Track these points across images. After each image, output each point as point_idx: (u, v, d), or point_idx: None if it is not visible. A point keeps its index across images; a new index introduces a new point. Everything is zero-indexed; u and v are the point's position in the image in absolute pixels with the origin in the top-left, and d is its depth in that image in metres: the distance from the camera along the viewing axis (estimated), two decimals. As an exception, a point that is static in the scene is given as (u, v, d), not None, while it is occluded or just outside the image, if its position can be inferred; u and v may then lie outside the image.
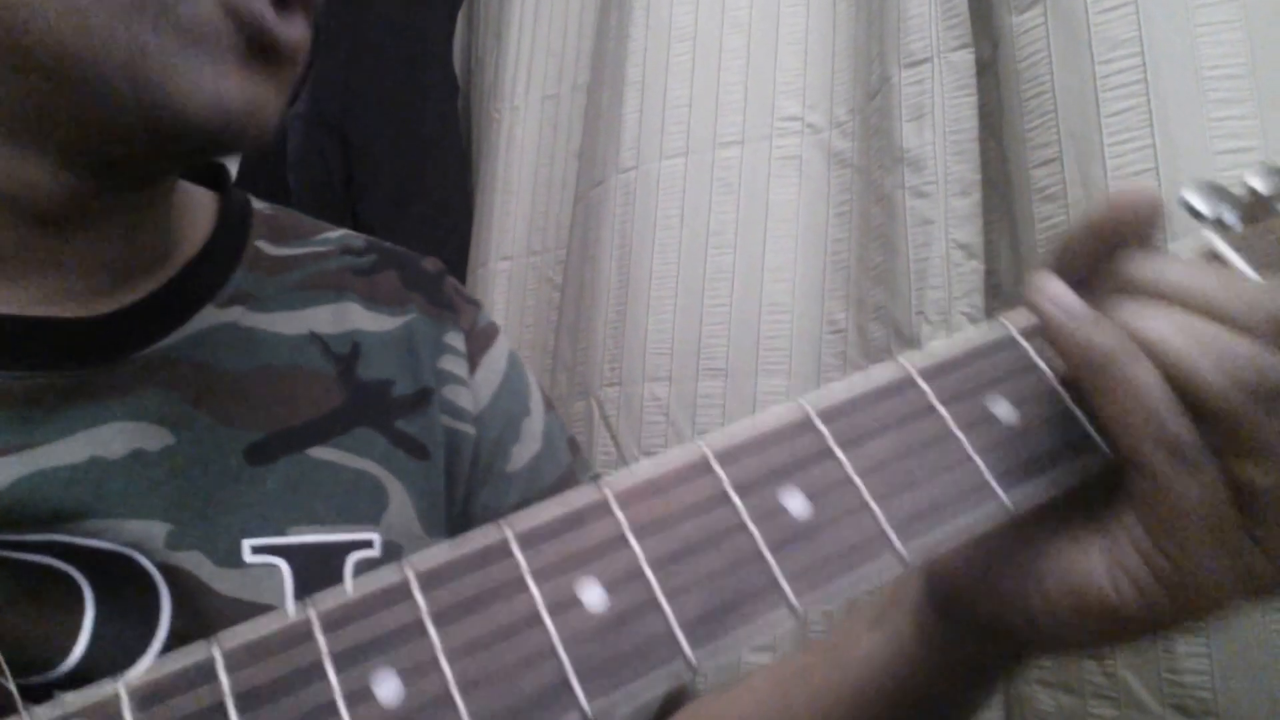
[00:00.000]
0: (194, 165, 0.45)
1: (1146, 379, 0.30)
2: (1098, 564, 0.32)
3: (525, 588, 0.28)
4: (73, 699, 0.25)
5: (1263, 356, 0.30)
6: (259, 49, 0.39)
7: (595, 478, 0.58)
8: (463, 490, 0.51)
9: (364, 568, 0.44)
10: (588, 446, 1.00)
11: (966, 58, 0.80)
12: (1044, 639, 0.35)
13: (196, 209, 0.50)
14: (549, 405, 0.58)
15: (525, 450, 0.54)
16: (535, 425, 0.55)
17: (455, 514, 0.51)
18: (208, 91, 0.37)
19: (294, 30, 0.40)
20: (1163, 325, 0.31)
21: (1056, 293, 0.32)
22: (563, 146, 1.23)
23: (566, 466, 0.56)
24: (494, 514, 0.51)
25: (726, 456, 0.31)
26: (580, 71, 1.23)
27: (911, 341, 0.78)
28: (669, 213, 0.98)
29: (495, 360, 0.55)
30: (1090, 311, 0.32)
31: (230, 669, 0.25)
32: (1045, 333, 0.33)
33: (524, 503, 0.52)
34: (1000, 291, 0.78)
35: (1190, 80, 0.64)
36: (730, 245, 0.94)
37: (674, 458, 0.31)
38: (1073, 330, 0.32)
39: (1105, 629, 0.33)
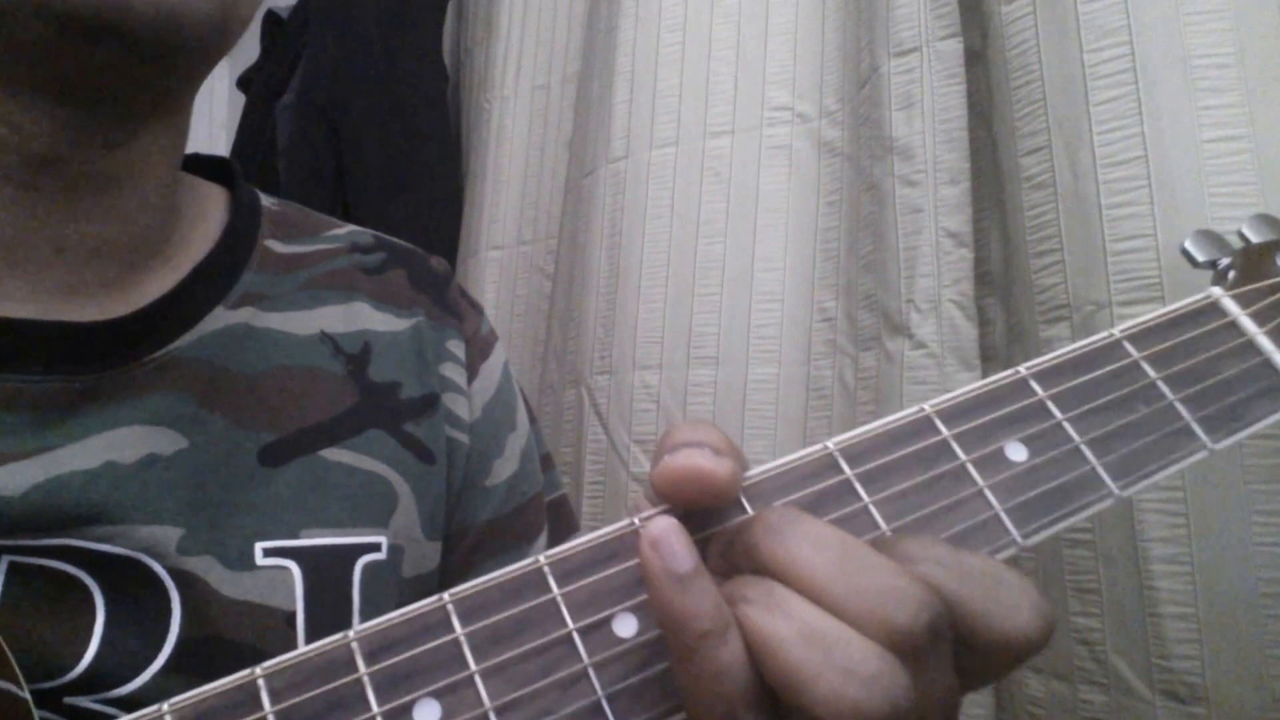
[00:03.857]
0: (153, 78, 0.39)
1: (731, 666, 0.26)
2: None
3: (560, 617, 0.29)
4: None
5: (885, 671, 0.25)
6: None
7: (563, 495, 0.58)
8: (452, 500, 0.51)
9: (372, 571, 0.44)
10: (578, 434, 1.00)
11: (955, 47, 0.81)
12: None
13: (206, 205, 0.49)
14: (532, 418, 0.58)
15: (505, 467, 0.53)
16: (518, 441, 0.55)
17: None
18: None
19: None
20: (778, 625, 0.26)
21: (664, 540, 0.27)
22: (553, 136, 1.23)
23: (539, 486, 0.56)
24: (467, 530, 0.51)
25: (753, 491, 0.32)
26: (570, 62, 1.22)
27: (901, 329, 0.79)
28: (659, 202, 0.98)
29: (492, 370, 0.55)
30: (697, 577, 0.27)
31: (273, 694, 0.27)
32: (644, 582, 0.28)
33: (495, 520, 0.52)
34: (989, 279, 0.79)
35: (1179, 69, 0.65)
36: (720, 234, 0.94)
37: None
38: (669, 596, 0.26)
39: None
